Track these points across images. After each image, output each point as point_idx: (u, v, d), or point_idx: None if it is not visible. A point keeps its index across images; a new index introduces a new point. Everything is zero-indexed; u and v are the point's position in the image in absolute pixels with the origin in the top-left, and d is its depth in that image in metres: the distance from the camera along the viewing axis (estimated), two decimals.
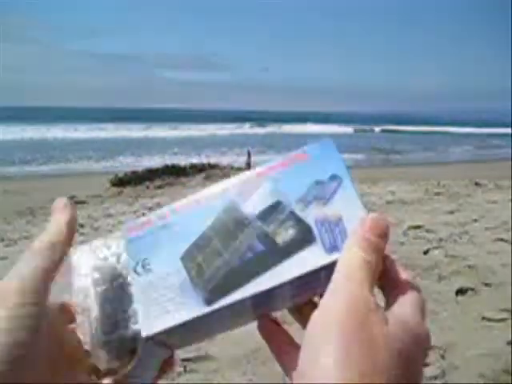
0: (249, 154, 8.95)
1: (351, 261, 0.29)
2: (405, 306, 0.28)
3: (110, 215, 4.02)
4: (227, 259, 0.33)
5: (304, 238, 0.33)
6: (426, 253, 2.92)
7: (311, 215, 0.33)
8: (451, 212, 4.04)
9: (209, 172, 7.76)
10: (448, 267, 2.65)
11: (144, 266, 0.34)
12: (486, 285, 2.41)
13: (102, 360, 0.33)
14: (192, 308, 0.32)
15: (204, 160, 9.47)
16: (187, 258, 0.34)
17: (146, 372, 0.35)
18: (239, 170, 7.83)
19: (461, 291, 2.36)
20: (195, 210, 0.35)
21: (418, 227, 3.43)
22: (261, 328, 0.36)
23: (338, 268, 0.29)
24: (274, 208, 0.34)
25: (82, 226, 3.65)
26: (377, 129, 30.47)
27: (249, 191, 0.35)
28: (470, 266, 2.64)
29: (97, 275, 0.34)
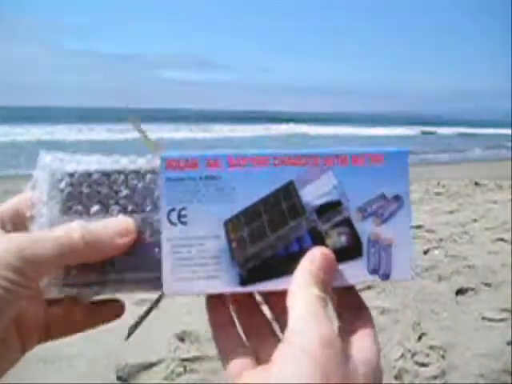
0: None
1: (312, 301, 0.29)
2: (367, 341, 0.31)
3: None
4: (272, 243, 0.31)
5: (353, 251, 0.32)
6: (425, 253, 2.92)
7: (366, 231, 0.32)
8: (451, 212, 4.03)
9: None
10: (448, 267, 2.64)
11: (180, 216, 0.31)
12: (486, 285, 2.41)
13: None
14: (225, 283, 0.31)
15: None
16: (231, 225, 0.31)
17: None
18: None
19: (461, 291, 2.36)
20: (251, 172, 0.32)
21: (418, 227, 3.43)
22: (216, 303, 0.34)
23: (299, 308, 0.29)
24: (333, 207, 0.32)
25: None
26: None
27: (311, 174, 0.32)
28: (469, 266, 2.64)
29: (68, 178, 0.32)
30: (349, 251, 0.32)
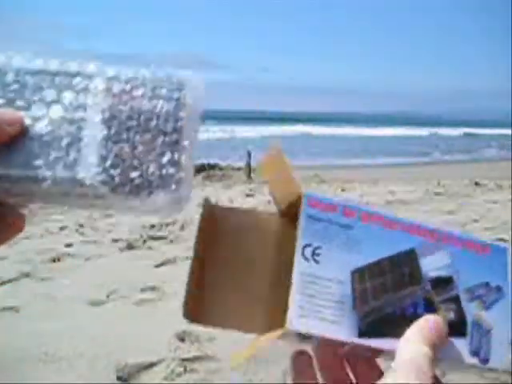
0: (249, 155, 8.88)
1: (419, 355, 0.29)
2: None
3: (109, 215, 4.03)
4: (392, 301, 0.33)
5: (458, 329, 0.34)
6: None
7: (471, 312, 0.34)
8: (451, 212, 4.04)
9: (208, 172, 7.74)
10: None
11: (314, 253, 0.32)
12: None
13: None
14: (344, 330, 0.32)
15: (203, 160, 9.41)
16: (357, 275, 0.33)
17: None
18: (239, 170, 7.83)
19: None
20: (379, 231, 0.34)
21: None
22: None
23: (404, 357, 0.29)
24: (446, 282, 0.34)
25: (81, 225, 3.65)
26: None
27: (431, 247, 0.35)
28: None
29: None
30: (455, 328, 0.33)
